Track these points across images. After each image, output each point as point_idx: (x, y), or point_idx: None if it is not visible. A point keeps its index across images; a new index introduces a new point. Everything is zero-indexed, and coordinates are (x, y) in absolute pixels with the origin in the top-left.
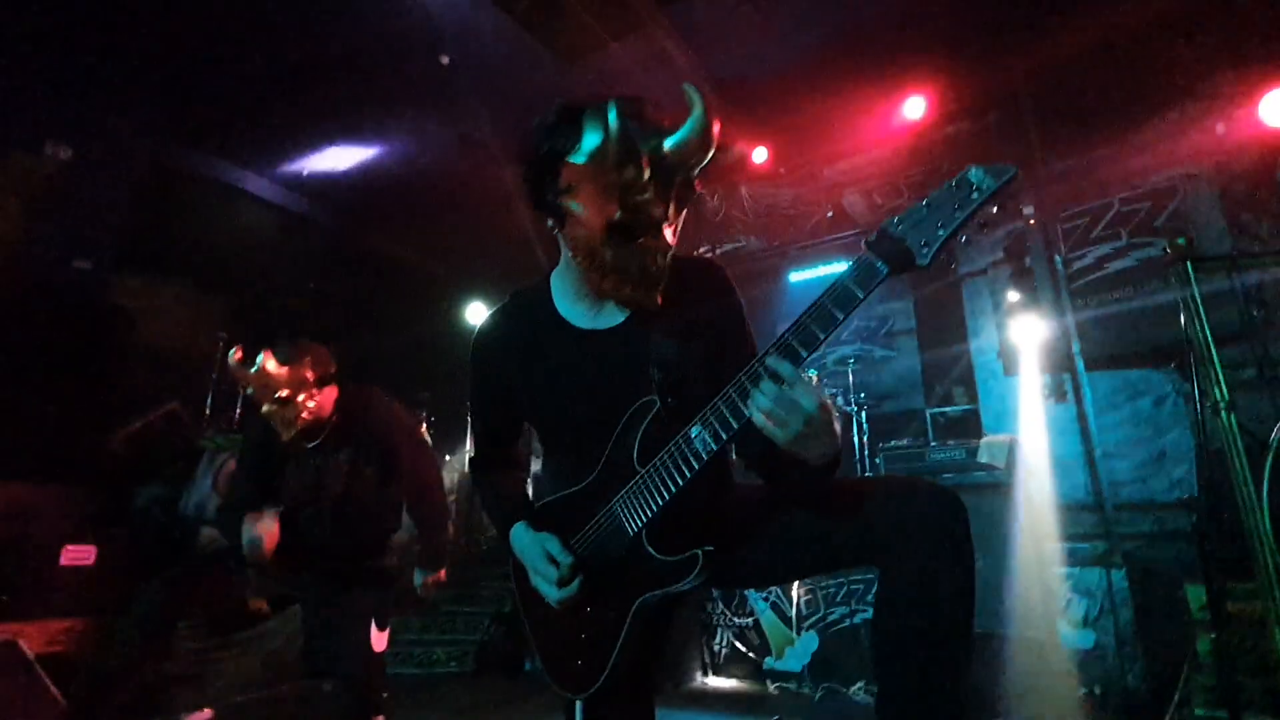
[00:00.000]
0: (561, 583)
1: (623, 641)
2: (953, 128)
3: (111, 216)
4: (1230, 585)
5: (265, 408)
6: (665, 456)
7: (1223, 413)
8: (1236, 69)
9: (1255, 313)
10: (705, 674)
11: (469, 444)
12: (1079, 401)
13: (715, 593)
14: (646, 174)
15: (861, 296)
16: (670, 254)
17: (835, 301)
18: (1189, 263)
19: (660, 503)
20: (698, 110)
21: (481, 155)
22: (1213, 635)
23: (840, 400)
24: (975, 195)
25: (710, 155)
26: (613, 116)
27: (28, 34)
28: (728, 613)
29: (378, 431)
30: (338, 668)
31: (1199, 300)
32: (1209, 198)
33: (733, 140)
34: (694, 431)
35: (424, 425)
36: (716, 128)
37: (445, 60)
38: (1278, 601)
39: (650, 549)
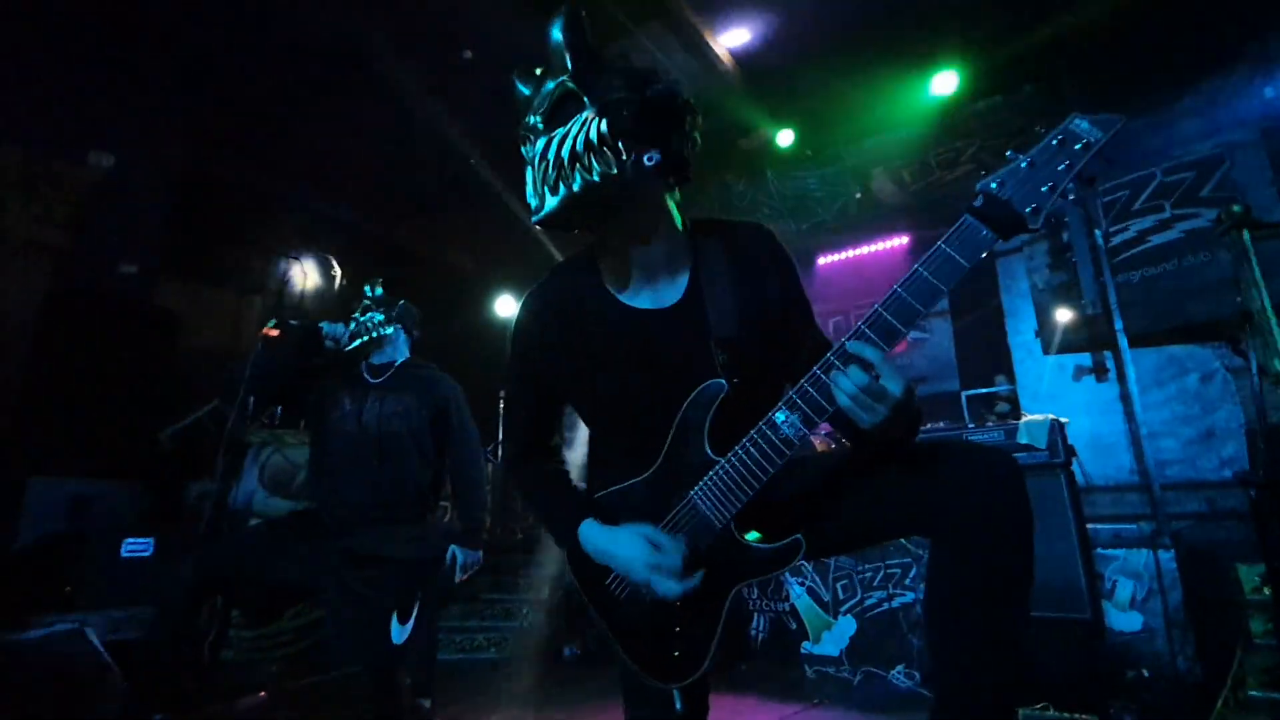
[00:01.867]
0: (688, 569)
1: (721, 628)
2: (984, 102)
3: (154, 223)
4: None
5: (356, 315)
6: (749, 445)
7: None
8: None
9: None
10: (743, 659)
11: (501, 436)
12: (1122, 380)
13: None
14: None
15: (968, 267)
16: (565, 152)
17: (936, 273)
18: (1245, 231)
19: (749, 492)
20: (551, 33)
21: (508, 148)
22: (1268, 616)
23: None
24: (1079, 148)
25: (577, 49)
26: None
27: (68, 44)
28: (764, 598)
29: (436, 391)
30: (361, 659)
31: (1257, 269)
32: (1259, 165)
33: (758, 124)
34: (780, 417)
35: None
36: (574, 13)
37: (468, 55)
38: None
39: (746, 540)
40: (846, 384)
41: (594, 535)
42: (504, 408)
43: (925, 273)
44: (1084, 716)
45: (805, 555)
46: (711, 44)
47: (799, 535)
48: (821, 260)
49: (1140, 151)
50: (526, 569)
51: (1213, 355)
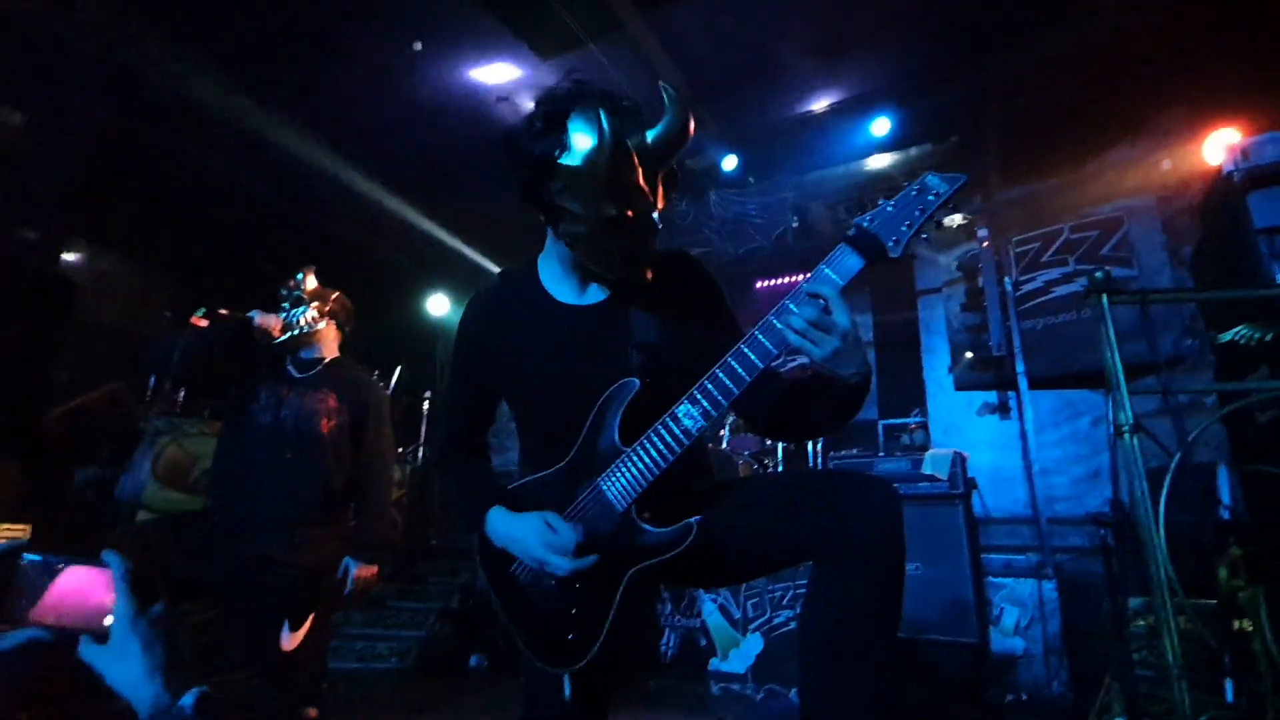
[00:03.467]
0: (580, 550)
1: (615, 612)
2: (916, 149)
3: (61, 186)
4: (1137, 599)
5: (284, 306)
6: (653, 434)
7: (1126, 436)
8: (1185, 108)
9: (1189, 341)
10: (652, 674)
11: (424, 433)
12: (1021, 419)
13: (665, 594)
14: (637, 172)
15: (841, 283)
16: (655, 232)
17: (815, 288)
18: (1104, 296)
19: (650, 478)
20: (674, 107)
21: (452, 144)
22: (1135, 646)
23: None
24: (933, 198)
25: (687, 143)
26: (604, 121)
27: None
28: (677, 614)
29: (362, 391)
30: (249, 665)
31: (1112, 330)
32: (1153, 230)
33: (704, 146)
34: (682, 410)
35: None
36: (691, 122)
37: (418, 47)
38: (1171, 617)
39: (642, 523)
40: (797, 320)
41: (498, 520)
42: (441, 403)
43: (806, 289)
44: None
45: (707, 584)
46: (668, 64)
47: (690, 521)
48: (759, 284)
49: (1052, 207)
50: (437, 577)
51: (1103, 401)
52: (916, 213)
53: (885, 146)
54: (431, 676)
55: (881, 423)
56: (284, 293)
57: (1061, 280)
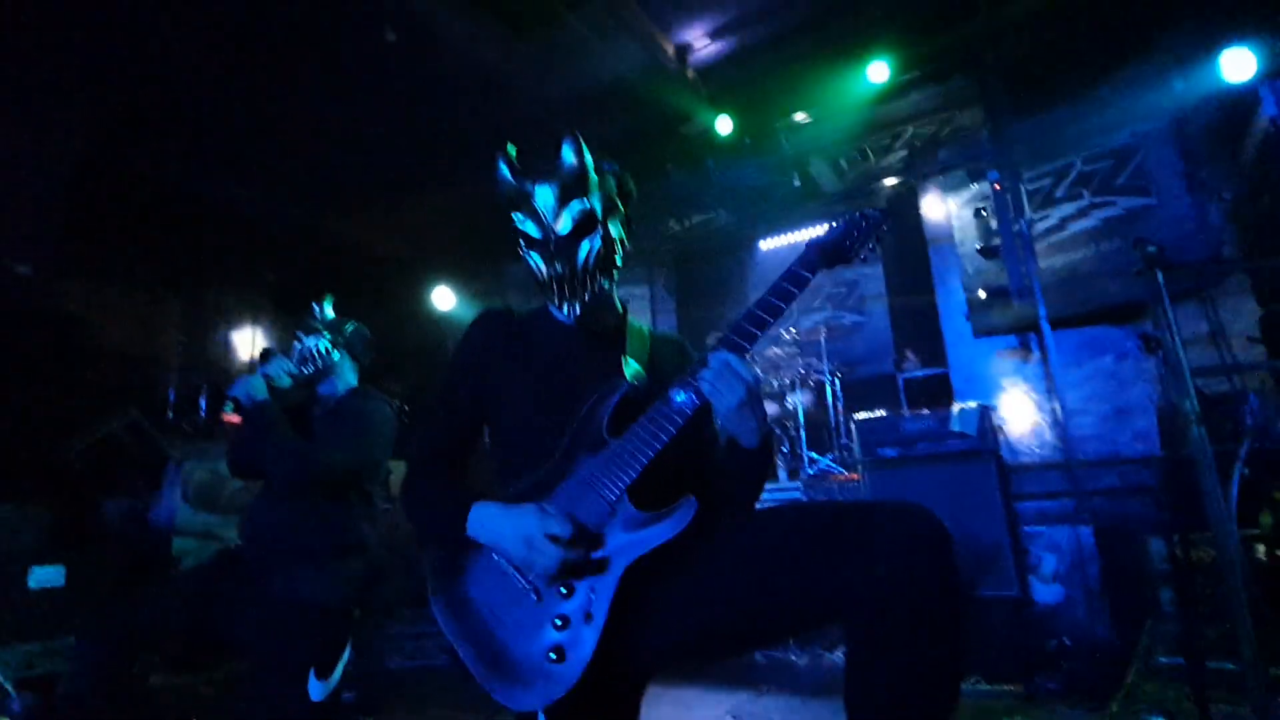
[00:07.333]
0: (575, 541)
1: (609, 613)
2: (916, 92)
3: (50, 218)
4: (1191, 535)
5: (300, 335)
6: (645, 420)
7: (1193, 426)
8: (1196, 23)
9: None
10: None
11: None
12: (1045, 360)
13: None
14: (536, 204)
15: (796, 292)
16: (592, 263)
17: (790, 282)
18: (1159, 272)
19: (644, 460)
20: (564, 152)
21: (439, 133)
22: (1174, 586)
23: (813, 368)
24: (866, 225)
25: (593, 185)
26: (500, 169)
27: None
28: None
29: (357, 403)
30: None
31: (1173, 315)
32: (1168, 154)
33: (696, 112)
34: (672, 390)
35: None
36: (572, 147)
37: (391, 38)
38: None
39: (636, 509)
40: (715, 362)
41: (483, 517)
42: (422, 417)
43: (770, 298)
44: (1010, 687)
45: (711, 651)
46: (650, 28)
47: (690, 495)
48: (763, 245)
49: (1062, 140)
50: None
51: (1125, 336)
52: (856, 232)
53: (886, 92)
54: None
55: (901, 376)
56: (307, 325)
57: (1077, 215)
